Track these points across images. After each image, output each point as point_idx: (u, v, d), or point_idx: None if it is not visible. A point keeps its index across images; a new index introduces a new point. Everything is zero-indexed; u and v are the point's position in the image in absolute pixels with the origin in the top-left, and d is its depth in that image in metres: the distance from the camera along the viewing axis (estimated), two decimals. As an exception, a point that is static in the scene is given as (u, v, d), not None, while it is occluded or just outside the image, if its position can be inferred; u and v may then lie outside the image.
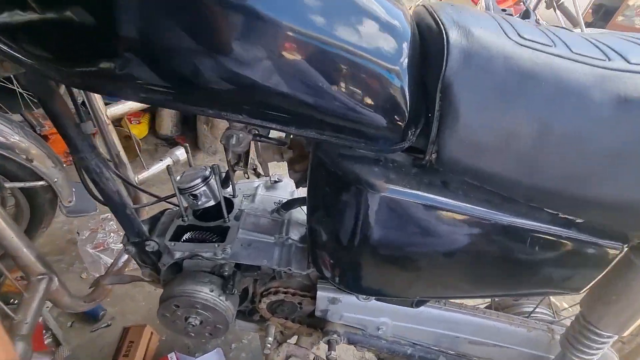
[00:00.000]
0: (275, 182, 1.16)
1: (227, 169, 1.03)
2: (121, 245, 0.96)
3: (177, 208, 0.98)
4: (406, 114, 0.58)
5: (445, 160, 0.59)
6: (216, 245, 0.88)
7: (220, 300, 0.86)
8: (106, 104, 1.12)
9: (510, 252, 0.67)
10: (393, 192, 0.62)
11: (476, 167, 0.59)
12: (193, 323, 0.86)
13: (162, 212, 1.05)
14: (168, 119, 2.48)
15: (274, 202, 1.06)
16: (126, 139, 2.17)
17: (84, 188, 1.54)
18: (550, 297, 1.14)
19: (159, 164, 1.40)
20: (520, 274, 0.72)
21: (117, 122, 2.18)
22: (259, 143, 0.91)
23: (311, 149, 0.68)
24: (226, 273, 0.87)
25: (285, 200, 1.03)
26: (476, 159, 0.58)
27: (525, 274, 0.71)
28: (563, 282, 0.73)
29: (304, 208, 1.14)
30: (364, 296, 0.84)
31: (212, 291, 0.85)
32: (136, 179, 1.22)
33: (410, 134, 0.61)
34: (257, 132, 0.72)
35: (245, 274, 0.91)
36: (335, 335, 0.93)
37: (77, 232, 1.70)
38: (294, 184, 1.19)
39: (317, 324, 0.99)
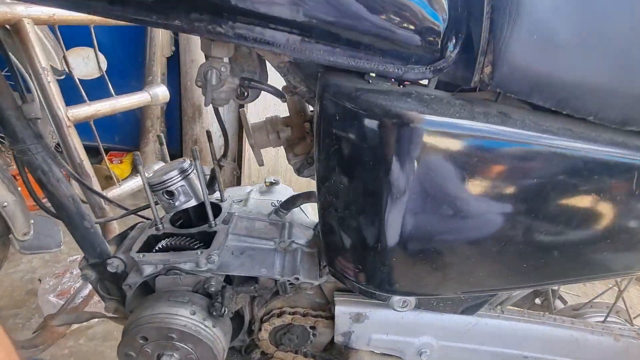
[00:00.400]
0: (272, 183, 0.97)
1: (211, 167, 0.85)
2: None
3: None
4: (443, 17, 0.43)
5: (505, 72, 0.43)
6: (198, 253, 0.67)
7: (206, 326, 0.62)
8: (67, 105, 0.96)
9: (597, 203, 0.49)
10: (436, 125, 0.44)
11: (549, 77, 0.43)
12: (168, 364, 0.62)
13: (132, 227, 0.84)
14: (152, 156, 2.32)
15: (271, 204, 0.87)
16: (106, 179, 1.98)
17: (46, 221, 1.32)
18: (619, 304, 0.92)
19: (133, 180, 1.20)
20: (608, 238, 0.52)
21: (97, 160, 2.01)
22: (248, 122, 0.74)
23: (317, 96, 0.52)
24: (213, 288, 0.65)
25: (285, 199, 0.84)
26: (550, 63, 0.42)
27: (614, 238, 0.52)
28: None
29: (308, 212, 0.95)
30: (400, 303, 0.62)
31: (193, 314, 0.62)
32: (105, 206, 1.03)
33: (450, 48, 0.45)
34: (243, 69, 0.56)
35: (239, 290, 0.68)
36: (364, 368, 0.69)
37: (39, 280, 1.43)
38: (291, 190, 1.01)
39: (336, 354, 0.75)
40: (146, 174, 0.71)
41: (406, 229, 0.51)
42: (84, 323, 1.36)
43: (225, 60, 0.50)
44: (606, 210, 0.48)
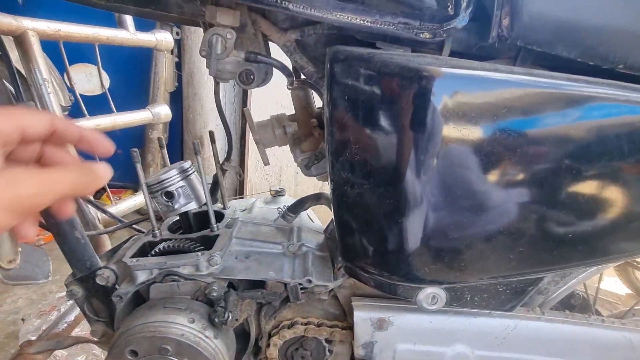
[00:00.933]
0: (277, 192, 0.92)
1: (214, 173, 0.81)
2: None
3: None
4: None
5: (525, 21, 0.41)
6: (199, 255, 0.60)
7: (206, 336, 0.54)
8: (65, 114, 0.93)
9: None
10: (461, 78, 0.41)
11: (573, 23, 0.41)
12: (161, 385, 0.52)
13: (126, 240, 0.77)
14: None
15: (277, 209, 0.81)
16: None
17: (35, 250, 1.24)
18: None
19: (132, 199, 1.14)
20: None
21: (97, 196, 1.96)
22: (253, 120, 0.71)
23: (327, 67, 0.49)
24: (215, 294, 0.57)
25: (293, 202, 0.78)
26: (572, 7, 0.40)
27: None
28: None
29: (316, 220, 0.88)
30: (429, 299, 0.54)
31: (192, 322, 0.54)
32: (98, 218, 0.96)
33: (464, 4, 0.44)
34: (249, 44, 0.53)
35: (244, 295, 0.60)
36: (391, 386, 0.59)
37: (22, 319, 1.31)
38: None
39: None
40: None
41: (434, 201, 0.46)
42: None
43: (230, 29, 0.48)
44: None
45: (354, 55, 0.46)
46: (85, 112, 0.97)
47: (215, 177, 0.80)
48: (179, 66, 1.99)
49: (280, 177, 1.99)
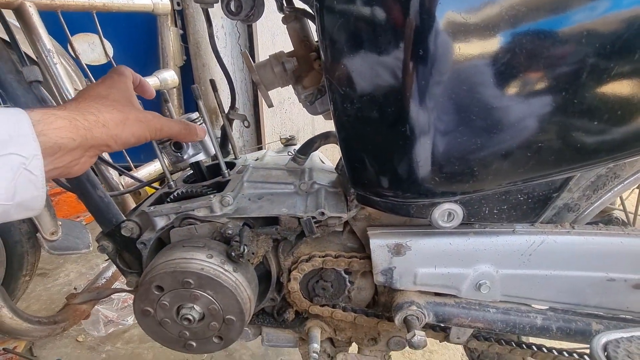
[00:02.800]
0: (288, 140, 0.91)
1: (220, 124, 0.80)
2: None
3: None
4: None
5: None
6: (211, 197, 0.61)
7: (225, 270, 0.55)
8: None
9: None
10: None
11: None
12: (190, 317, 0.55)
13: (147, 198, 0.80)
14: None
15: (288, 153, 0.80)
16: (135, 194, 2.01)
17: (75, 224, 1.32)
18: None
19: (152, 164, 1.18)
20: None
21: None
22: (252, 62, 0.69)
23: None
24: (230, 231, 0.59)
25: (302, 144, 0.77)
26: None
27: None
28: None
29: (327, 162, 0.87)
30: (444, 216, 0.52)
31: (210, 257, 0.56)
32: (121, 183, 1.01)
33: None
34: None
35: (259, 231, 0.61)
36: (413, 308, 0.58)
37: (75, 288, 1.43)
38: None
39: (382, 310, 0.65)
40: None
41: (439, 109, 0.43)
42: (120, 327, 1.33)
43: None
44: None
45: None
46: (94, 81, 1.00)
47: (223, 128, 0.80)
48: (184, 39, 1.97)
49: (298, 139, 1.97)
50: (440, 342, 0.68)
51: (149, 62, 1.96)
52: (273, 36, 2.00)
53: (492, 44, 0.39)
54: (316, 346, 0.67)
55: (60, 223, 1.17)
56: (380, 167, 0.51)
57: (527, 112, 0.42)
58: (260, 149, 2.15)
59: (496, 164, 0.45)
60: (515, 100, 0.42)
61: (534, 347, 0.70)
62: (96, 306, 1.31)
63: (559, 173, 0.47)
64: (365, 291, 0.71)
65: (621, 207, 0.82)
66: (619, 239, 0.58)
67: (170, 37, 1.87)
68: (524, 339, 0.80)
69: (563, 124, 0.43)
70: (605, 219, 0.95)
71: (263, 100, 2.06)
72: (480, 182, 0.47)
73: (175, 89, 1.85)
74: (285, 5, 0.58)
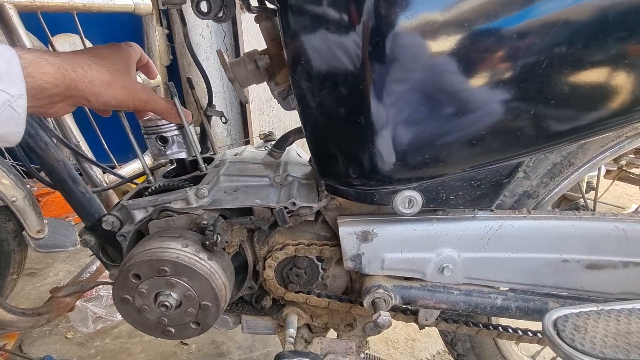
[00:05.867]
0: (267, 136, 0.94)
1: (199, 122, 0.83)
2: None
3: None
4: None
5: None
6: (187, 190, 0.63)
7: (200, 258, 0.58)
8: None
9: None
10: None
11: None
12: (167, 304, 0.58)
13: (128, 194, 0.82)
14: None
15: (264, 148, 0.83)
16: (124, 194, 2.03)
17: (61, 222, 1.33)
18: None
19: (136, 162, 1.20)
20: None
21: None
22: (227, 60, 0.72)
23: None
24: (205, 222, 0.61)
25: (278, 139, 0.80)
26: None
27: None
28: None
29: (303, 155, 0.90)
30: (405, 203, 0.56)
31: (185, 246, 0.58)
32: (105, 181, 1.02)
33: None
34: None
35: (233, 222, 0.64)
36: (380, 291, 0.62)
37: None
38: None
39: (357, 296, 0.68)
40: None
41: (392, 97, 0.46)
42: (109, 323, 1.35)
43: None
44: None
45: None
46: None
47: (202, 124, 0.83)
48: (170, 38, 1.99)
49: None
50: (407, 323, 0.72)
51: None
52: (258, 34, 2.02)
53: (441, 39, 0.42)
54: (292, 331, 0.70)
55: (46, 221, 1.19)
56: (344, 158, 0.54)
57: (473, 103, 0.46)
58: (247, 143, 2.17)
59: (446, 152, 0.48)
60: (462, 93, 0.45)
61: (500, 327, 0.74)
62: (85, 303, 1.33)
63: (505, 159, 0.51)
64: (341, 278, 0.74)
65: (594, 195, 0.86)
66: (570, 222, 0.61)
67: (156, 37, 1.88)
68: (494, 320, 0.84)
69: (507, 114, 0.47)
70: (573, 206, 1.00)
71: (250, 99, 2.08)
72: (433, 169, 0.50)
73: (162, 88, 1.86)
74: (251, 5, 0.60)
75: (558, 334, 0.50)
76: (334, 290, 0.74)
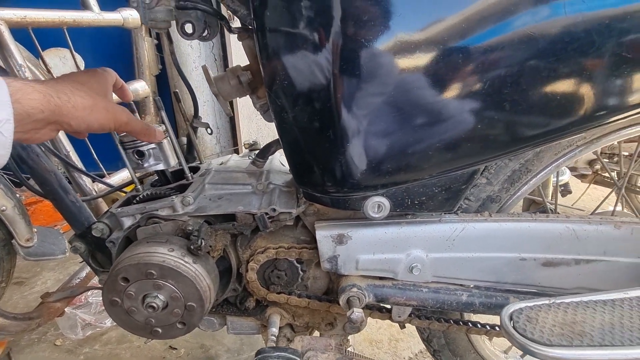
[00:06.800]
0: (251, 145, 0.99)
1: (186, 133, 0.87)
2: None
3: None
4: None
5: None
6: (173, 198, 0.68)
7: (185, 261, 0.62)
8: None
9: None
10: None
11: None
12: (154, 305, 0.61)
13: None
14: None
15: (248, 157, 0.88)
16: (113, 202, 2.04)
17: (50, 231, 1.35)
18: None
19: (125, 171, 1.23)
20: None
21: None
22: (211, 75, 0.76)
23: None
24: (190, 228, 0.66)
25: (261, 149, 0.84)
26: None
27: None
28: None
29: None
30: (374, 208, 0.61)
31: (171, 251, 0.63)
32: (94, 190, 1.05)
33: None
34: None
35: (217, 227, 0.68)
36: (354, 290, 0.66)
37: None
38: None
39: (336, 296, 0.73)
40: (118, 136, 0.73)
41: (358, 114, 0.52)
42: (98, 329, 1.37)
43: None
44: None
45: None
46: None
47: (188, 135, 0.87)
48: (159, 48, 2.03)
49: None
50: (383, 321, 0.77)
51: (124, 71, 2.01)
52: (246, 45, 2.08)
53: (403, 57, 0.48)
54: (275, 330, 0.74)
55: (35, 230, 1.21)
56: (318, 167, 0.59)
57: (430, 118, 0.51)
58: (236, 152, 2.22)
59: (407, 162, 0.54)
60: (419, 109, 0.51)
61: (470, 323, 0.79)
62: (74, 310, 1.34)
63: (461, 168, 0.56)
64: (321, 280, 0.78)
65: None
66: (527, 224, 0.67)
67: (145, 47, 1.92)
68: (467, 317, 0.90)
69: (463, 127, 0.52)
70: (540, 209, 1.06)
71: (239, 108, 2.11)
72: (397, 177, 0.56)
73: (151, 98, 1.89)
74: (232, 27, 0.65)
75: (513, 326, 0.56)
76: (315, 291, 0.79)
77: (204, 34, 0.66)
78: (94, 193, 1.04)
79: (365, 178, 0.56)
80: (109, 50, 1.95)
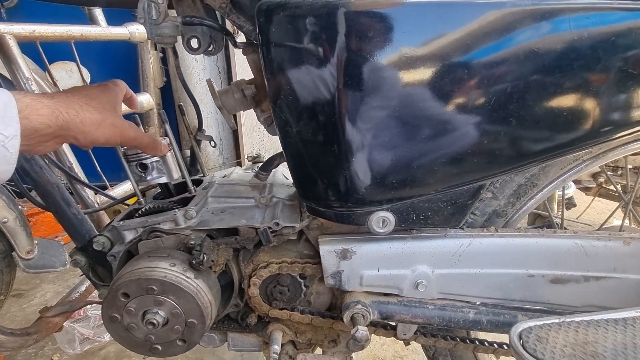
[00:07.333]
0: (254, 158, 0.98)
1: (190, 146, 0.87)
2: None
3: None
4: None
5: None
6: (176, 211, 0.67)
7: (187, 277, 0.61)
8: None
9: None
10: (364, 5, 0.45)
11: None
12: (154, 321, 0.60)
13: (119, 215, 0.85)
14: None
15: (252, 170, 0.87)
16: (115, 213, 2.04)
17: (51, 242, 1.34)
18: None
19: (125, 184, 1.22)
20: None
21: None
22: (215, 89, 0.77)
23: (256, 20, 0.54)
24: (193, 242, 0.65)
25: (264, 162, 0.84)
26: None
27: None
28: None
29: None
30: (379, 223, 0.60)
31: (173, 266, 0.62)
32: (96, 202, 1.05)
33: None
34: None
35: (220, 241, 0.67)
36: (359, 307, 0.65)
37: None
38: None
39: (339, 313, 0.71)
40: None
41: (363, 131, 0.51)
42: (96, 344, 1.34)
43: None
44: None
45: (277, 4, 0.50)
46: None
47: (192, 148, 0.87)
48: (164, 61, 2.06)
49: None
50: (387, 338, 0.75)
51: (129, 84, 2.04)
52: (250, 58, 2.11)
53: (408, 72, 0.48)
54: (277, 347, 0.72)
55: (36, 242, 1.20)
56: (322, 182, 0.58)
57: (435, 134, 0.51)
58: (239, 164, 2.22)
59: (413, 177, 0.53)
60: (424, 125, 0.50)
61: (477, 341, 0.77)
62: (72, 324, 1.32)
63: (467, 183, 0.56)
64: (324, 295, 0.77)
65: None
66: (534, 239, 0.66)
67: (150, 60, 1.94)
68: (473, 334, 0.88)
69: (468, 143, 0.52)
70: (546, 223, 1.05)
71: (242, 120, 2.12)
72: (402, 192, 0.55)
73: (155, 110, 1.91)
74: (237, 42, 0.66)
75: (522, 345, 0.54)
76: (318, 307, 0.77)
77: (209, 49, 0.66)
78: (96, 205, 1.03)
79: (370, 193, 0.56)
80: (115, 63, 1.98)
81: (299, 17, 0.48)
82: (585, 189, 2.06)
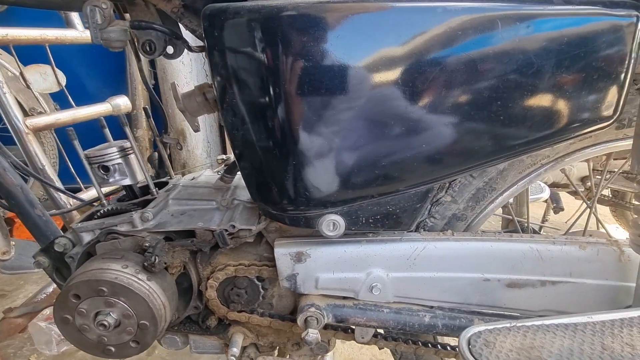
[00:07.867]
0: (224, 160, 0.99)
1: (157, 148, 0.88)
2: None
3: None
4: None
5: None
6: (132, 213, 0.67)
7: (139, 279, 0.61)
8: (25, 115, 1.02)
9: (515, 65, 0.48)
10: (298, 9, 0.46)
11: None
12: (105, 323, 0.60)
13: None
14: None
15: (217, 172, 0.88)
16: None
17: (29, 244, 1.35)
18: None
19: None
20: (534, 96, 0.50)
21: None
22: (179, 92, 0.77)
23: (202, 19, 0.54)
24: (147, 244, 0.65)
25: (229, 165, 0.84)
26: None
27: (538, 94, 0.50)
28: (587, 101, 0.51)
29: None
30: (329, 226, 0.60)
31: (125, 267, 0.62)
32: (69, 203, 1.05)
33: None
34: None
35: (175, 244, 0.68)
36: (312, 309, 0.65)
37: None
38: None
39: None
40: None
41: (304, 127, 0.52)
42: (73, 347, 1.34)
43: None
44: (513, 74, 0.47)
45: (219, 9, 0.51)
46: (46, 108, 1.07)
47: (159, 151, 0.87)
48: (152, 64, 2.07)
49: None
50: (347, 341, 0.75)
51: (118, 85, 2.05)
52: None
53: (349, 78, 0.48)
54: (235, 350, 0.72)
55: (13, 243, 1.21)
56: (271, 185, 0.58)
57: (375, 139, 0.51)
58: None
59: (355, 181, 0.53)
60: (364, 130, 0.51)
61: (439, 345, 0.77)
62: (49, 325, 1.32)
63: (412, 187, 0.56)
64: (287, 298, 0.77)
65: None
66: (489, 243, 0.66)
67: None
68: (439, 339, 0.87)
69: (407, 148, 0.52)
70: (514, 228, 1.05)
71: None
72: (347, 196, 0.55)
73: (144, 112, 1.91)
74: (192, 46, 0.66)
75: (469, 350, 0.54)
76: (280, 310, 0.77)
77: (170, 53, 0.67)
78: (69, 206, 1.04)
79: (318, 196, 0.56)
80: (105, 65, 2.00)
81: (239, 22, 0.48)
82: (574, 193, 2.06)
